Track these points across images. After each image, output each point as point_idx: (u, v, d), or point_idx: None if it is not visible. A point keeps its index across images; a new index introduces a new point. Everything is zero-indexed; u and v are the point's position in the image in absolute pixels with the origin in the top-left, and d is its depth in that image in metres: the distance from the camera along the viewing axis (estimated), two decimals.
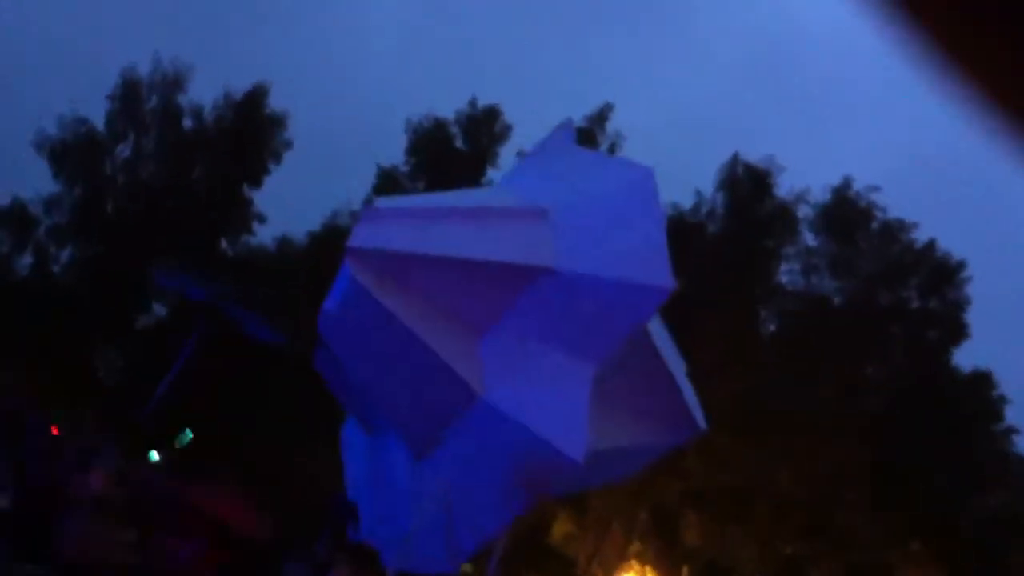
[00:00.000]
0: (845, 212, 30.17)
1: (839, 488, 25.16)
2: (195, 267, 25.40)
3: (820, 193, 30.40)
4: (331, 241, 26.38)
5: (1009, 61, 0.69)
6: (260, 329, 19.04)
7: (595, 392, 9.93)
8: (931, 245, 29.72)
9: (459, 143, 31.99)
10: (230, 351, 22.61)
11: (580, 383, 9.78)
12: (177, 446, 18.69)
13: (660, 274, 10.10)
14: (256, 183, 32.13)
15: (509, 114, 32.13)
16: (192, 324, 19.22)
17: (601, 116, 31.14)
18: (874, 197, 30.11)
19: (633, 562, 26.17)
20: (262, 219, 32.37)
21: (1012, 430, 28.51)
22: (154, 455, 17.20)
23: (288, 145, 32.42)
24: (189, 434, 18.90)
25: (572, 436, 9.52)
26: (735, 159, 30.44)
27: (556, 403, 9.75)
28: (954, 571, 25.58)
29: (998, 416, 28.58)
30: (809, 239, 30.58)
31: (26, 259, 31.37)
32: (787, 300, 29.83)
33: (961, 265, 29.46)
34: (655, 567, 26.18)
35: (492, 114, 32.02)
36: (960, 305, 29.26)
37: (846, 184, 30.31)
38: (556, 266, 10.02)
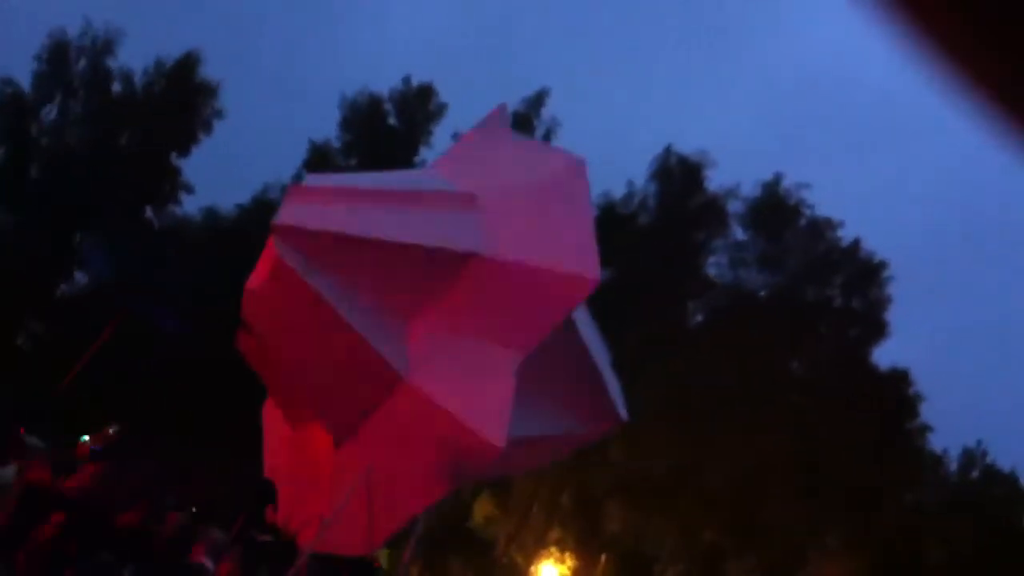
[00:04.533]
0: (774, 208, 30.52)
1: (762, 481, 25.49)
2: (121, 241, 24.83)
3: (750, 188, 30.74)
4: (260, 215, 26.05)
5: (1013, 68, 0.70)
6: (164, 319, 18.56)
7: (519, 379, 9.93)
8: (856, 244, 30.24)
9: (393, 120, 31.74)
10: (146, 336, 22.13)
11: (504, 370, 9.77)
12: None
13: (587, 265, 10.11)
14: (184, 152, 31.54)
15: (445, 95, 32.00)
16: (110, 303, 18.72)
17: (538, 101, 31.11)
18: (803, 194, 30.52)
19: (552, 548, 26.27)
20: (190, 189, 31.80)
21: (926, 427, 29.16)
22: (85, 438, 16.63)
23: (219, 114, 31.87)
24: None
25: (494, 422, 9.50)
26: (668, 151, 30.62)
27: (479, 389, 9.72)
28: (869, 565, 26.09)
29: (914, 413, 29.19)
30: (739, 233, 30.92)
31: None
32: (715, 293, 30.13)
33: (883, 265, 30.02)
34: (574, 554, 26.31)
35: (426, 93, 31.81)
36: (881, 304, 29.82)
37: (776, 180, 30.67)
38: (484, 252, 9.98)
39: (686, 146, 31.14)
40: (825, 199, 31.28)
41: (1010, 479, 29.40)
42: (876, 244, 30.55)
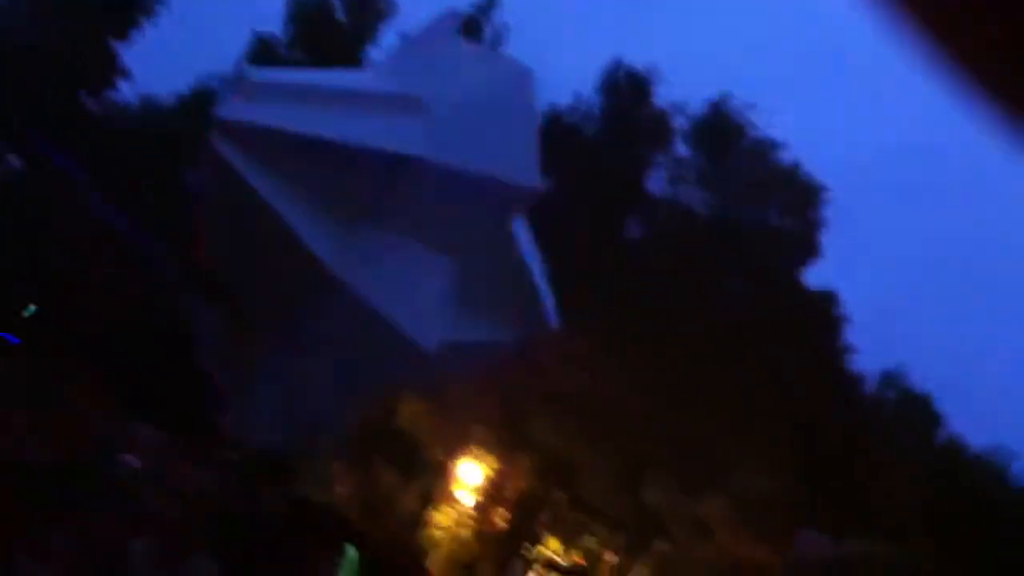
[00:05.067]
0: (719, 126, 30.66)
1: (692, 397, 25.98)
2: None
3: (697, 106, 30.79)
4: (200, 105, 25.64)
5: (1007, 51, 0.74)
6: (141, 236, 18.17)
7: (452, 285, 10.10)
8: (796, 166, 30.55)
9: (340, 16, 31.22)
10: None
11: (438, 276, 9.92)
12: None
13: (528, 174, 10.24)
14: (123, 37, 30.76)
15: None
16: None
17: (488, 6, 30.73)
18: (749, 115, 30.67)
19: (473, 447, 26.67)
20: (126, 74, 31.07)
21: (849, 348, 29.92)
22: None
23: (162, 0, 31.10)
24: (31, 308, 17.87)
25: (425, 327, 9.68)
26: (617, 64, 30.51)
27: (413, 294, 9.88)
28: (791, 482, 26.74)
29: (838, 334, 29.88)
30: (683, 150, 31.04)
31: None
32: (654, 208, 30.36)
33: (822, 188, 30.42)
34: (496, 455, 26.76)
35: None
36: (815, 226, 30.29)
37: (722, 99, 30.75)
38: (427, 156, 10.04)
39: (640, 61, 30.98)
40: (773, 123, 31.39)
41: (925, 401, 30.42)
42: (820, 171, 30.87)
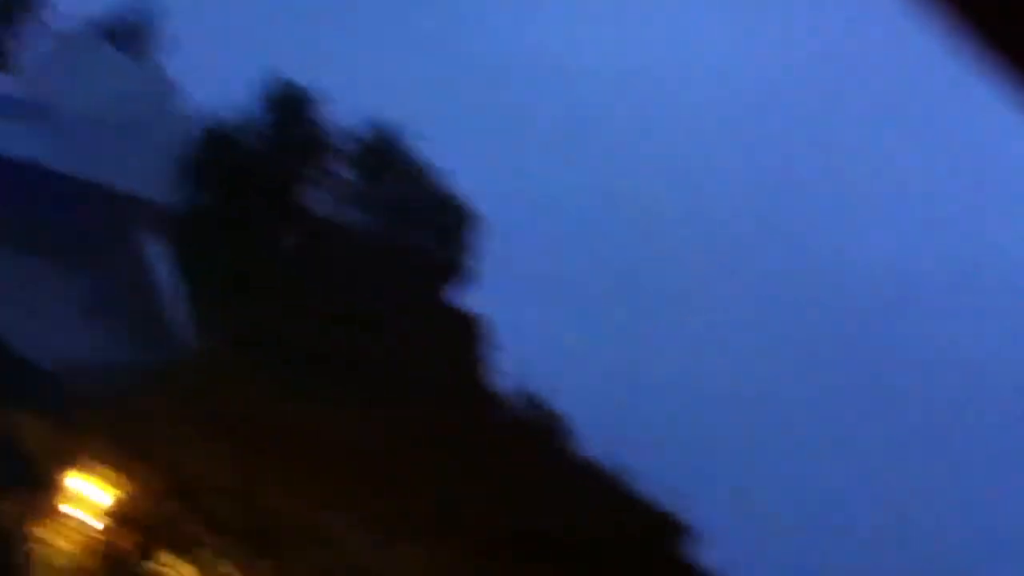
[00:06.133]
0: (381, 150, 31.29)
1: (343, 420, 25.98)
2: None
3: (361, 128, 31.25)
4: None
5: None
6: None
7: (77, 302, 9.85)
8: (451, 193, 31.74)
9: None
10: None
11: (60, 292, 9.65)
12: None
13: (160, 189, 10.18)
14: None
15: None
16: None
17: (148, 14, 29.64)
18: (414, 143, 31.52)
19: (100, 467, 25.20)
20: None
21: (495, 368, 31.25)
22: None
23: None
24: None
25: (43, 345, 9.39)
26: (282, 81, 30.36)
27: (32, 312, 9.55)
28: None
29: (481, 354, 31.07)
30: (343, 171, 31.39)
31: None
32: (313, 226, 30.45)
33: (475, 214, 31.77)
34: (125, 474, 25.42)
35: None
36: (466, 250, 31.53)
37: (387, 125, 31.42)
38: (46, 163, 9.74)
39: (313, 81, 30.85)
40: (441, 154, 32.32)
41: (557, 416, 31.99)
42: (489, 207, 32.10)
